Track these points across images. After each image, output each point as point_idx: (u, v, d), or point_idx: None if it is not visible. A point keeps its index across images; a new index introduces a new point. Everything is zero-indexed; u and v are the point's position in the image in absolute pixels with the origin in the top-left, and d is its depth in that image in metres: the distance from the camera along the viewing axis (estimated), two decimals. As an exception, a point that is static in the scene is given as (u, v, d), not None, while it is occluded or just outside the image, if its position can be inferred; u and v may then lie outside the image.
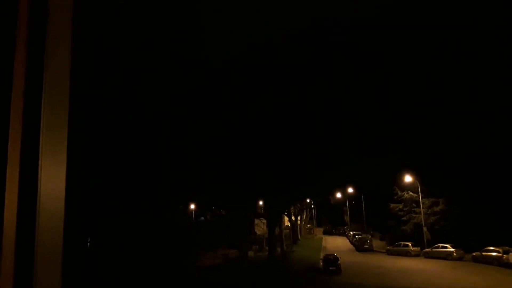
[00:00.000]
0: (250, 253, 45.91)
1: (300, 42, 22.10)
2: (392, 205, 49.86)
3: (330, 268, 31.70)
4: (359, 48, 23.64)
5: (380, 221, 56.09)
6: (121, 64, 19.37)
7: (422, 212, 44.41)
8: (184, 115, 25.23)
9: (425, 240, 42.50)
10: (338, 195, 73.14)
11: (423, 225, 43.79)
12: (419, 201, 45.19)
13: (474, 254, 34.29)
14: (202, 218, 64.05)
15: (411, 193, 47.62)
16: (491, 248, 32.36)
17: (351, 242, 58.35)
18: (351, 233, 63.50)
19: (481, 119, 33.02)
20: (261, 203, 48.36)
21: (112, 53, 18.49)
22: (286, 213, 55.47)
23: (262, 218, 48.59)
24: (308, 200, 68.38)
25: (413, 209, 47.26)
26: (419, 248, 42.07)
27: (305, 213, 72.97)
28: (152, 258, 31.69)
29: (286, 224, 63.01)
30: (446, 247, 37.85)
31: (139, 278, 27.30)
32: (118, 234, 30.90)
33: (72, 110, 1.12)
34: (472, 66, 26.26)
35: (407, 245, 42.92)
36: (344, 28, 21.10)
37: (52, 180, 1.05)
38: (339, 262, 32.30)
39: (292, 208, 57.05)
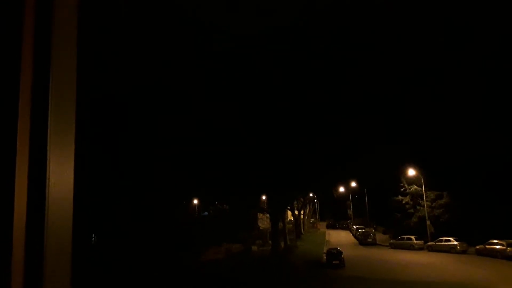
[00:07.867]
0: (254, 248, 46.09)
1: (297, 35, 21.88)
2: (397, 198, 49.91)
3: (334, 262, 31.75)
4: (361, 38, 23.46)
5: (383, 215, 56.15)
6: (123, 63, 19.37)
7: (425, 205, 44.40)
8: (187, 112, 25.23)
9: (428, 233, 42.48)
10: (341, 189, 73.17)
11: (427, 218, 43.78)
12: (423, 194, 45.24)
13: (477, 247, 34.17)
14: (206, 213, 64.43)
15: (416, 186, 47.61)
16: (495, 241, 32.27)
17: (354, 236, 58.45)
18: (354, 227, 63.63)
19: (487, 110, 32.86)
20: (264, 197, 48.47)
21: (115, 51, 18.50)
22: (289, 208, 55.58)
23: (265, 212, 48.73)
24: (311, 195, 68.46)
25: (418, 201, 47.27)
26: (422, 241, 42.05)
27: (308, 207, 73.07)
28: (155, 253, 31.91)
29: (289, 218, 63.21)
30: (449, 240, 37.81)
31: (142, 273, 27.48)
32: (122, 231, 31.16)
33: (79, 109, 1.12)
34: (478, 61, 26.08)
35: (411, 239, 42.90)
36: (343, 17, 20.88)
37: (60, 179, 1.06)
38: (342, 256, 32.35)
39: (295, 202, 57.14)
